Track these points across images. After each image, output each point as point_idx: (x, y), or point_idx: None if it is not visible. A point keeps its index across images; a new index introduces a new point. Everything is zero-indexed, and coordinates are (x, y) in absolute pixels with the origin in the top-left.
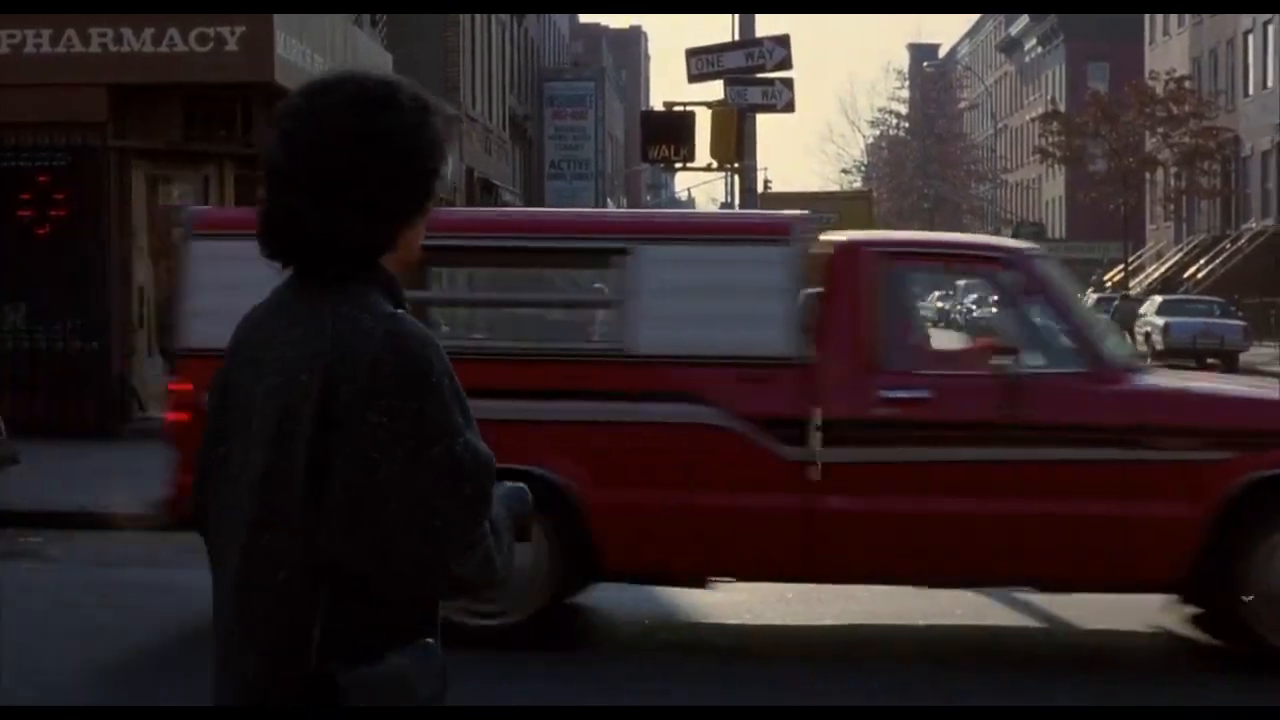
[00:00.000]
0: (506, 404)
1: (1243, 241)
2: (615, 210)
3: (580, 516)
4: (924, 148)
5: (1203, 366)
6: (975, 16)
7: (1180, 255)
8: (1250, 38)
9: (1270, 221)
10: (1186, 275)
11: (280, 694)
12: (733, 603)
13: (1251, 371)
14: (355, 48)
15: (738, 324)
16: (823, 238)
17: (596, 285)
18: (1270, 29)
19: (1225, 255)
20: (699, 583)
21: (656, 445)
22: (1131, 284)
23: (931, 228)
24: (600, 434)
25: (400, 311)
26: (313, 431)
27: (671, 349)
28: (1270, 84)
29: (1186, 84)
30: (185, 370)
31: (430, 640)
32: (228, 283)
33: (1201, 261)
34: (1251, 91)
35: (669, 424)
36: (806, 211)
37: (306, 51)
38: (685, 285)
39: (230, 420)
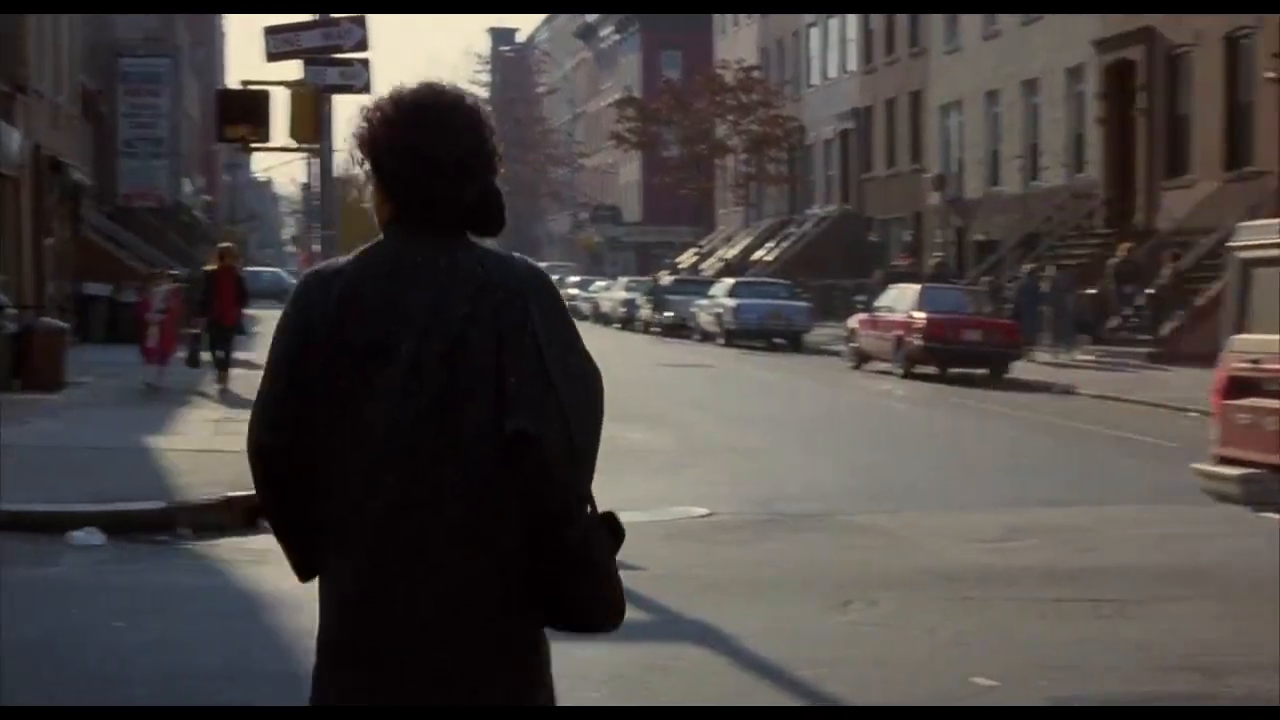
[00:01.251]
0: None
1: (807, 226)
2: None
3: None
4: (504, 131)
5: (770, 347)
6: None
7: (749, 239)
8: (813, 30)
9: (833, 207)
10: (755, 258)
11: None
12: None
13: (815, 351)
14: None
15: None
16: None
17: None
18: (832, 22)
19: (791, 239)
20: None
21: None
22: (703, 267)
23: (511, 211)
24: None
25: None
26: (493, 340)
27: None
28: (832, 75)
29: (755, 74)
30: None
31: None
32: None
33: (769, 245)
34: (815, 82)
35: None
36: None
37: None
38: None
39: (343, 356)
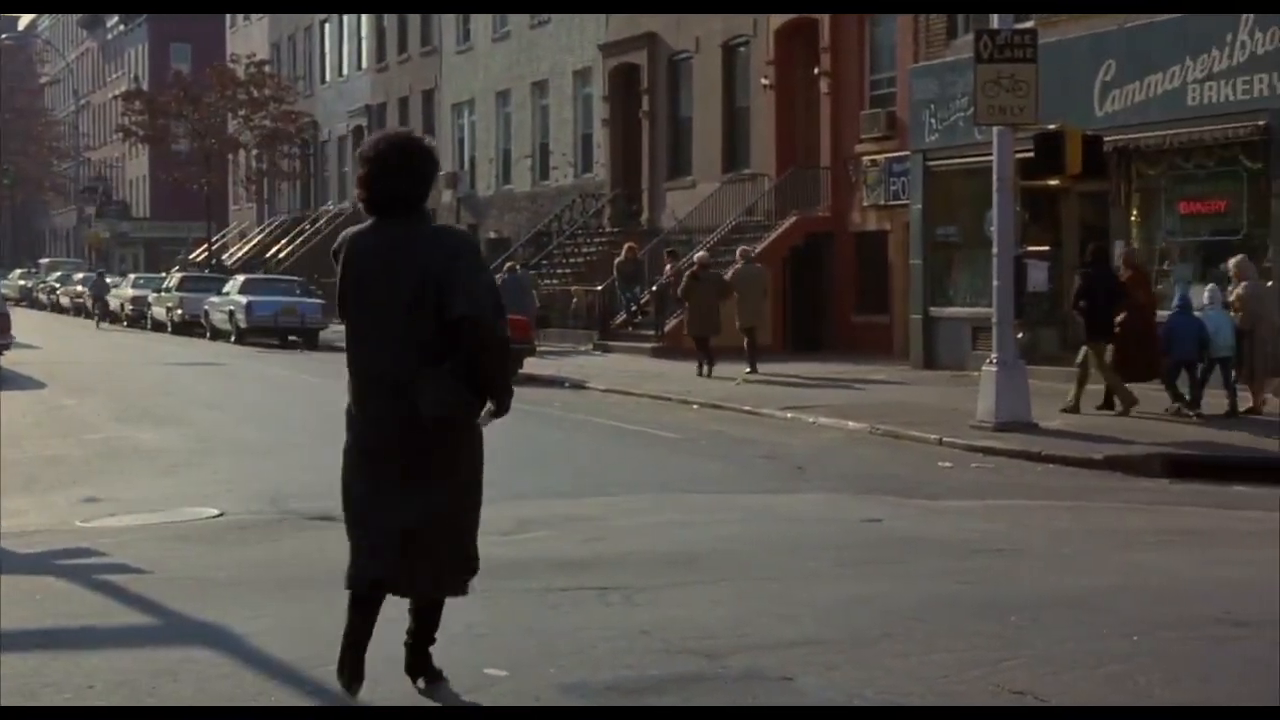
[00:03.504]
0: None
1: (321, 222)
2: None
3: None
4: (3, 122)
5: (284, 344)
6: None
7: (263, 235)
8: (327, 27)
9: (346, 204)
10: (269, 255)
11: (410, 380)
12: None
13: (330, 348)
14: None
15: None
16: None
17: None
18: (345, 20)
19: (305, 235)
20: None
21: None
22: (215, 263)
23: (13, 205)
24: None
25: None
26: (439, 269)
27: None
28: (346, 72)
29: (267, 68)
30: None
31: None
32: None
33: (283, 241)
34: (329, 78)
35: None
36: None
37: None
38: None
39: (361, 287)
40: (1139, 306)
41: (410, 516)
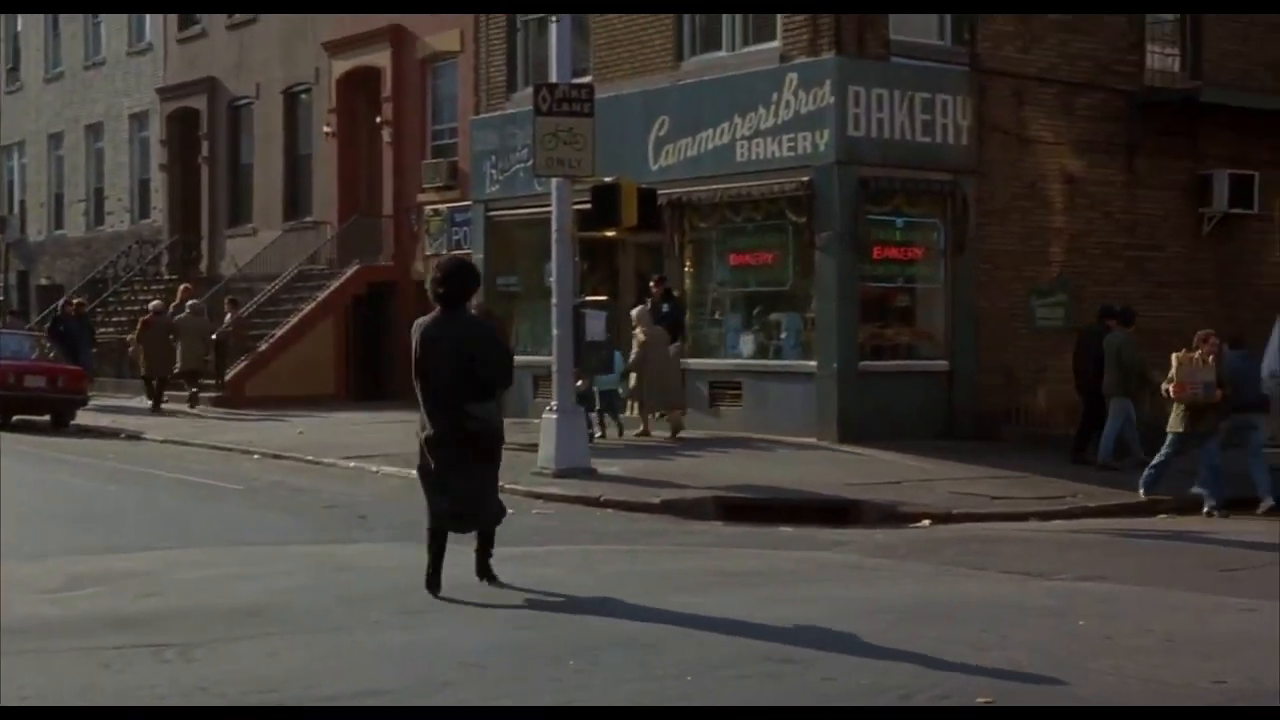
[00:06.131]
0: None
1: None
2: None
3: None
4: None
5: None
6: None
7: None
8: None
9: None
10: None
11: (463, 408)
12: None
13: None
14: None
15: None
16: None
17: None
18: None
19: None
20: None
21: None
22: None
23: None
24: None
25: (476, 314)
26: (471, 345)
27: None
28: None
29: None
30: None
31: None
32: None
33: None
34: None
35: None
36: None
37: None
38: None
39: (431, 355)
40: None
41: (465, 485)
